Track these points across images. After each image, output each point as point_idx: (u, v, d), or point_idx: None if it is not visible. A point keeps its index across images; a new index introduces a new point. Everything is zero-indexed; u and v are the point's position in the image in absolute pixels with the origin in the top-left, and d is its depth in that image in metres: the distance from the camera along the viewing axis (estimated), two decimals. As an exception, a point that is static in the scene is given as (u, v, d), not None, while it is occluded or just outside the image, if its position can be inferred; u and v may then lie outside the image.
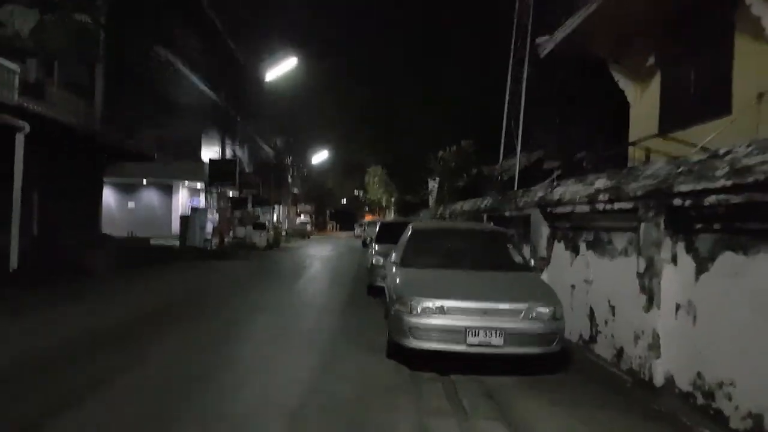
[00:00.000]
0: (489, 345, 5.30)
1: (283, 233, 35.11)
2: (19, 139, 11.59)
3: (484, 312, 5.39)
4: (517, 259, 6.97)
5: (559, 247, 7.27)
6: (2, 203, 11.35)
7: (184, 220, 21.51)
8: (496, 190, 12.12)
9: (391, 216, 39.87)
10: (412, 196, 28.16)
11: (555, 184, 7.49)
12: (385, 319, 8.25)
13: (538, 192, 7.88)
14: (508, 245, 7.24)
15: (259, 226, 27.97)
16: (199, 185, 28.79)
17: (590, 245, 6.31)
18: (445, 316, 5.42)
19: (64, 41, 11.62)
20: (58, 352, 6.14)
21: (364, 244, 32.46)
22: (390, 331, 6.00)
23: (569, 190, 6.79)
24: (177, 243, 21.34)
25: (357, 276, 14.89)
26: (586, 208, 6.16)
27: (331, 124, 39.80)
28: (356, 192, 68.66)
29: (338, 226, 73.35)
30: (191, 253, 19.72)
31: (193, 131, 29.59)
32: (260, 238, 26.53)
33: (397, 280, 6.37)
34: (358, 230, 46.44)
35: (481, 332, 5.30)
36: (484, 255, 7.03)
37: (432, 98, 19.64)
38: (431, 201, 23.79)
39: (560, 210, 6.99)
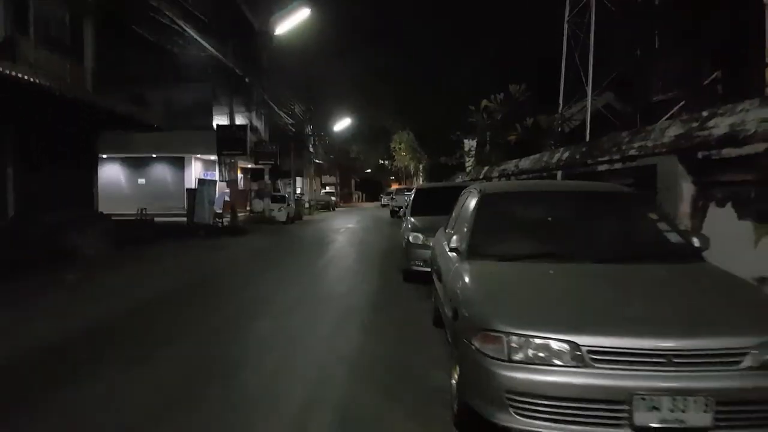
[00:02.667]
0: (684, 428, 2.51)
1: (306, 205, 32.84)
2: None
3: (666, 357, 2.57)
4: (673, 237, 3.80)
5: (721, 215, 4.55)
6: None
7: (191, 193, 19.19)
8: (559, 142, 9.33)
9: (420, 183, 37.09)
10: (447, 158, 25.23)
11: (705, 114, 4.69)
12: (434, 326, 5.68)
13: (670, 129, 5.09)
14: (650, 215, 4.14)
15: (278, 199, 25.67)
16: (213, 157, 26.57)
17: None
18: (583, 367, 2.60)
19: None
20: None
21: (393, 214, 30.43)
22: (461, 385, 3.14)
23: (747, 117, 4.01)
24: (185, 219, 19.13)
25: (387, 253, 12.33)
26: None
27: (354, 87, 36.90)
28: (382, 161, 65.65)
29: (364, 196, 70.86)
30: (200, 230, 17.47)
31: (203, 98, 27.32)
32: (279, 212, 24.24)
33: (469, 287, 3.44)
34: (384, 199, 44.04)
35: (665, 401, 2.50)
36: (617, 234, 4.07)
37: (470, 40, 16.64)
38: (469, 163, 20.91)
39: (730, 153, 4.24)
